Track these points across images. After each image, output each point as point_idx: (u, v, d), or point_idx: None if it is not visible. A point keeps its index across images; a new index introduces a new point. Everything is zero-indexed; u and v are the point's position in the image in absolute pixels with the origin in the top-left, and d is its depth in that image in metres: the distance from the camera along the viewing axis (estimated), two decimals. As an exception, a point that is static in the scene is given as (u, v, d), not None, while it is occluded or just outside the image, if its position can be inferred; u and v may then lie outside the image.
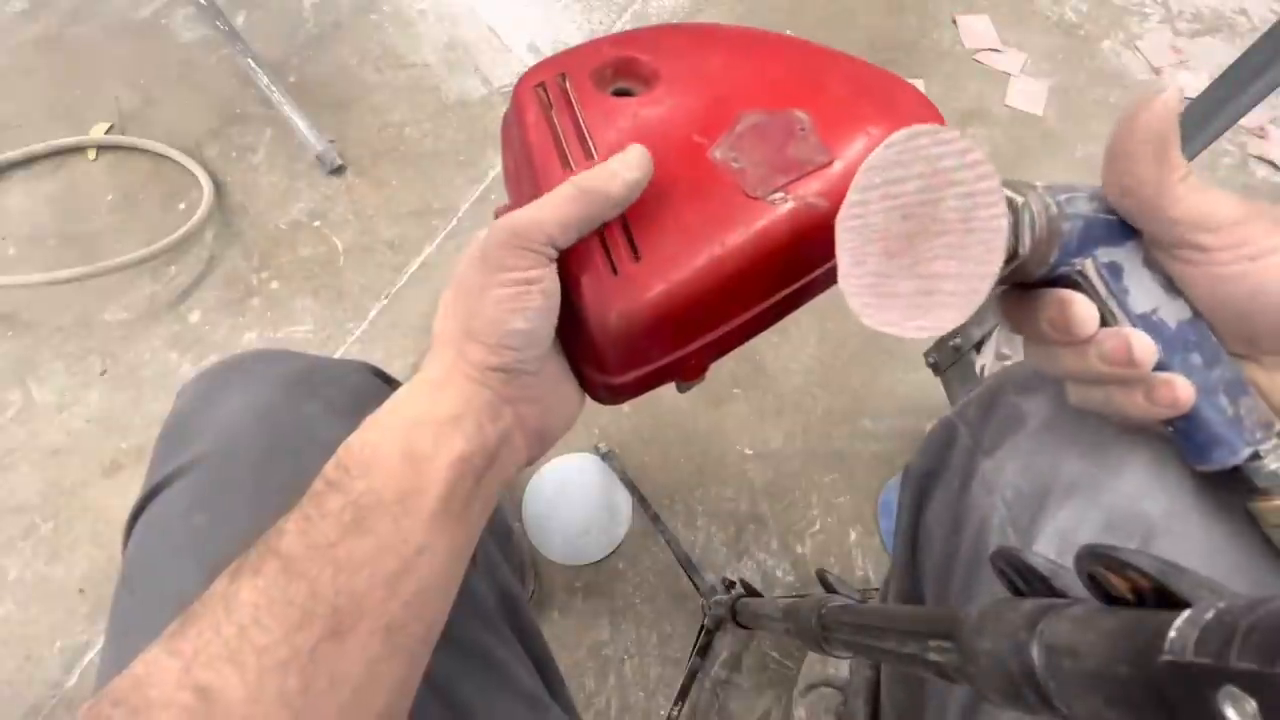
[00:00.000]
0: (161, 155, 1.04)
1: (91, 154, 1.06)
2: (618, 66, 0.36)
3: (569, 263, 0.31)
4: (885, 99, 0.35)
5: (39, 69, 1.14)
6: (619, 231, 0.31)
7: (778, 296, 0.34)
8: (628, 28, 1.20)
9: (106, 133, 1.06)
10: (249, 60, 1.08)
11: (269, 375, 0.40)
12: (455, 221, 1.02)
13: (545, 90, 0.34)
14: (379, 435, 0.28)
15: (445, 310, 0.31)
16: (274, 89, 1.05)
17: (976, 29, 1.22)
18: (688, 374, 0.35)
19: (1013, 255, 0.25)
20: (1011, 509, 0.35)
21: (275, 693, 0.23)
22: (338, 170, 1.05)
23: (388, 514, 0.26)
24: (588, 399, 0.35)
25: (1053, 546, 0.33)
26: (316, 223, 1.02)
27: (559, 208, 0.29)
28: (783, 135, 0.33)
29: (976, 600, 0.35)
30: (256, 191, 1.04)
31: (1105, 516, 0.32)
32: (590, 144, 0.33)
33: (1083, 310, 0.26)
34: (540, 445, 0.33)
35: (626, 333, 0.31)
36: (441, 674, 0.29)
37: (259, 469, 0.35)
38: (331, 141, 1.04)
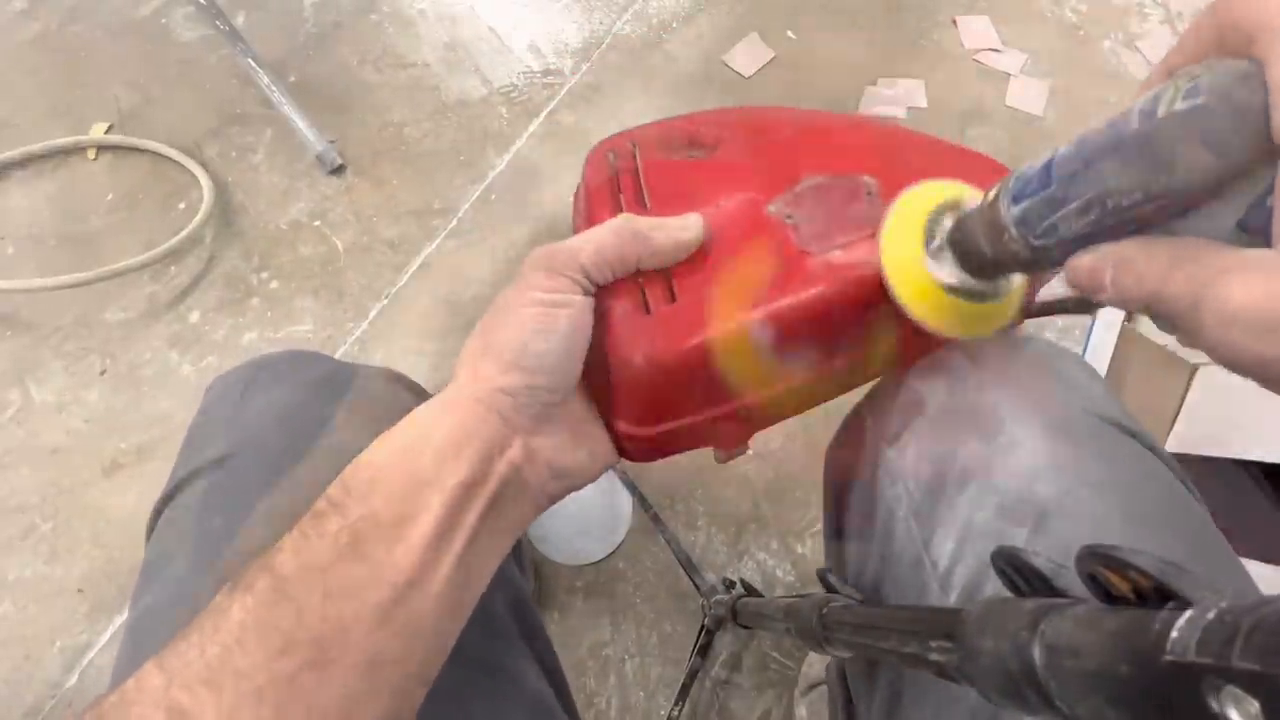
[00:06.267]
0: (161, 155, 1.04)
1: (91, 154, 1.06)
2: (688, 137, 0.36)
3: (601, 299, 0.30)
4: (958, 171, 0.33)
5: (39, 69, 1.13)
6: (658, 275, 0.31)
7: (827, 367, 0.32)
8: (628, 27, 1.20)
9: (106, 132, 1.06)
10: (249, 60, 1.07)
11: (295, 377, 0.39)
12: (455, 221, 1.02)
13: (614, 154, 0.35)
14: (385, 455, 0.28)
15: (475, 331, 0.31)
16: (274, 89, 1.05)
17: (976, 29, 1.21)
18: (724, 442, 0.33)
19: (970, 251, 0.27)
20: (914, 498, 0.35)
21: None
22: (338, 170, 1.05)
23: (383, 540, 0.26)
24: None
25: (953, 536, 0.33)
26: (316, 223, 1.02)
27: (597, 238, 0.29)
28: (846, 197, 0.32)
29: (885, 594, 0.36)
30: (256, 191, 1.03)
31: (999, 501, 0.32)
32: (644, 192, 0.33)
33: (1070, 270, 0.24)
34: (561, 483, 0.32)
35: (651, 378, 0.30)
36: (447, 685, 0.29)
37: (275, 471, 0.35)
38: (331, 141, 1.04)
